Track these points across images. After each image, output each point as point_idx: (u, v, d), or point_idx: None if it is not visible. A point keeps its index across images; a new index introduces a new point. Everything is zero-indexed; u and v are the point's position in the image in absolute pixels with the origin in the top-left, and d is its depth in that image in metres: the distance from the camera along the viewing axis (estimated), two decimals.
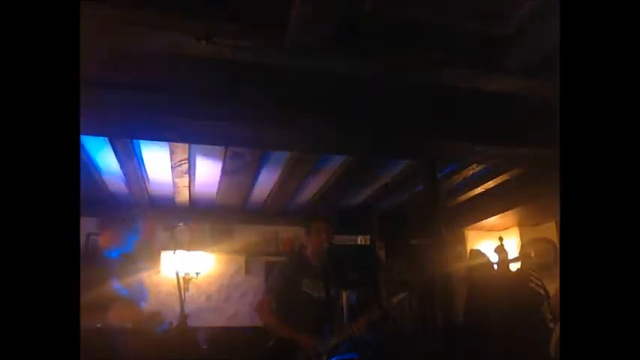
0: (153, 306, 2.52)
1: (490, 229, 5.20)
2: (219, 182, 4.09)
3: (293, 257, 3.04)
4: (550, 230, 4.48)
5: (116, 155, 3.40)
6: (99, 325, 1.95)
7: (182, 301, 2.32)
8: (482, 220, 4.87)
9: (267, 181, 4.16)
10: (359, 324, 2.54)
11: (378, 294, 4.52)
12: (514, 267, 4.22)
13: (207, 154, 3.51)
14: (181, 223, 2.60)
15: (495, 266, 4.27)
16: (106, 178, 3.96)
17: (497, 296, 3.33)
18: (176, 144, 3.15)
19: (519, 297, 2.97)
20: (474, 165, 3.61)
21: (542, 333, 2.66)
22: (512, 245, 4.72)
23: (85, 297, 1.85)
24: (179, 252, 2.49)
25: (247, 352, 3.46)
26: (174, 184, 4.06)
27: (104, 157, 3.51)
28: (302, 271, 2.73)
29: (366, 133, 2.55)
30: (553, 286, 2.96)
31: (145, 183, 4.08)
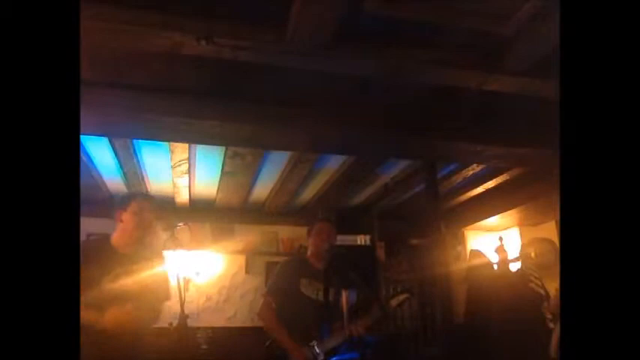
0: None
1: (490, 229, 5.19)
2: (219, 182, 4.10)
3: (293, 258, 3.04)
4: (550, 230, 4.47)
5: (116, 155, 3.40)
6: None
7: (182, 302, 2.32)
8: (482, 220, 4.86)
9: (267, 181, 4.16)
10: (359, 324, 2.54)
11: (378, 294, 4.52)
12: (514, 267, 4.21)
13: (207, 154, 3.52)
14: (181, 223, 2.59)
15: (495, 266, 4.28)
16: (106, 178, 3.96)
17: (497, 296, 3.33)
18: (176, 144, 3.15)
19: (519, 297, 2.97)
20: (474, 165, 3.61)
21: (542, 333, 2.65)
22: (512, 245, 4.72)
23: (86, 296, 1.86)
24: (179, 252, 2.48)
25: (247, 352, 3.47)
26: (174, 184, 4.06)
27: (104, 157, 3.51)
28: (302, 272, 2.72)
29: (366, 133, 2.55)
30: (553, 286, 2.95)
31: (145, 183, 4.08)
